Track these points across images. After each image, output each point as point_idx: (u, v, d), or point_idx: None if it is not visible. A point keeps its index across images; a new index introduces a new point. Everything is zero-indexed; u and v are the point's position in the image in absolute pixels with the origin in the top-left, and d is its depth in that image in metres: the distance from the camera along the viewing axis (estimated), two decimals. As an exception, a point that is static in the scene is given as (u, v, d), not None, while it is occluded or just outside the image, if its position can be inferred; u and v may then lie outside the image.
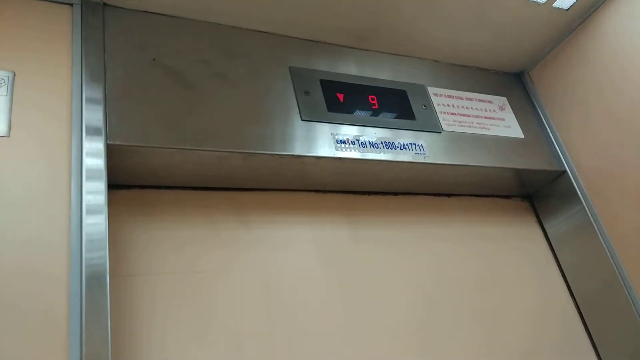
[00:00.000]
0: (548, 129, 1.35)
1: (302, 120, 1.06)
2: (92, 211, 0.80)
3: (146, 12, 1.01)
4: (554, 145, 1.34)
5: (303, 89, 1.09)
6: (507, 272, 1.28)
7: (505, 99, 1.35)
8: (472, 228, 1.29)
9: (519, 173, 1.30)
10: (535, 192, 1.41)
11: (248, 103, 1.02)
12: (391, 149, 1.11)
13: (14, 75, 0.87)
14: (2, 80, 0.86)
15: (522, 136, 1.31)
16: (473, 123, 1.25)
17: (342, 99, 1.12)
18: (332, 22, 1.14)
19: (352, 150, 1.07)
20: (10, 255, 0.75)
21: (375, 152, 1.09)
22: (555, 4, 1.22)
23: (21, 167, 0.81)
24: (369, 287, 1.10)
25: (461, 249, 1.25)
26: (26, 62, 0.88)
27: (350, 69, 1.18)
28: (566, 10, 1.25)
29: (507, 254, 1.31)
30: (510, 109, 1.34)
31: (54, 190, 0.81)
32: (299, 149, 1.02)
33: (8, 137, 0.82)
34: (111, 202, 0.86)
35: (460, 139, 1.21)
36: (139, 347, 0.86)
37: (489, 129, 1.27)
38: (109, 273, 0.78)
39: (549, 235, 1.37)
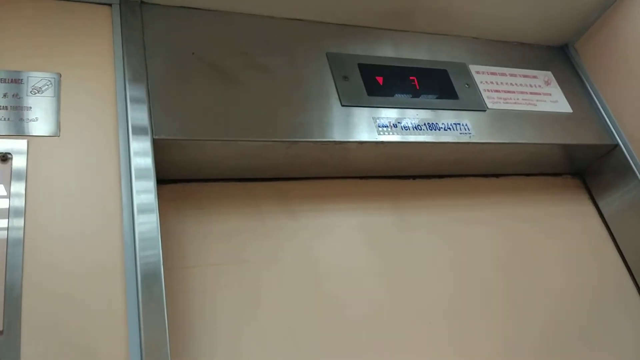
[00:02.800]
0: (597, 102, 1.29)
1: (342, 105, 1.04)
2: (143, 210, 0.81)
3: (183, 7, 1.01)
4: (604, 118, 1.28)
5: (341, 74, 1.08)
6: (561, 251, 1.23)
7: (550, 73, 1.30)
8: (522, 208, 1.25)
9: (568, 149, 1.25)
10: (586, 168, 1.35)
11: (287, 91, 1.02)
12: (435, 130, 1.08)
13: (60, 76, 0.89)
14: (49, 82, 0.88)
15: (570, 111, 1.26)
16: (519, 99, 1.20)
17: (382, 82, 1.10)
18: (366, 5, 1.12)
19: (395, 133, 1.05)
20: (66, 252, 0.77)
21: (418, 134, 1.07)
22: (599, -30, 1.17)
23: (73, 166, 0.83)
24: (417, 272, 1.08)
25: (512, 230, 1.21)
26: (70, 63, 0.90)
27: (387, 51, 1.16)
28: (610, -24, 1.19)
29: (561, 233, 1.26)
30: (557, 84, 1.28)
31: (105, 189, 0.83)
32: (340, 135, 1.01)
33: (59, 137, 0.84)
34: (160, 196, 0.86)
35: (506, 117, 1.17)
36: (195, 334, 0.87)
37: (536, 105, 1.22)
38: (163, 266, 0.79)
39: (603, 212, 1.31)
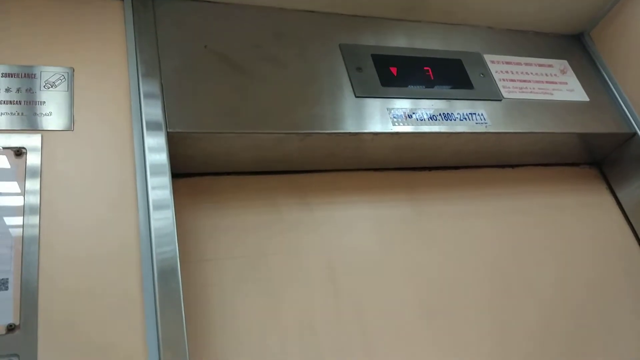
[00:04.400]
0: (614, 91, 1.27)
1: (356, 97, 1.03)
2: (159, 206, 0.81)
3: (195, 0, 1.01)
4: (621, 107, 1.25)
5: (355, 65, 1.07)
6: (579, 242, 1.21)
7: (566, 62, 1.28)
8: (539, 199, 1.23)
9: (585, 138, 1.23)
10: (604, 158, 1.32)
11: (301, 83, 1.01)
12: (450, 120, 1.07)
13: (73, 71, 0.89)
14: (62, 77, 0.88)
15: (587, 99, 1.24)
16: (535, 88, 1.19)
17: (396, 73, 1.09)
18: (380, -5, 1.11)
19: (409, 124, 1.04)
20: (82, 248, 0.76)
21: (433, 125, 1.05)
22: (614, -43, 1.15)
23: (87, 161, 0.82)
24: (435, 264, 1.07)
25: (529, 221, 1.19)
26: (83, 58, 0.90)
27: (401, 41, 1.15)
28: (626, -38, 1.17)
29: (578, 224, 1.24)
30: (572, 72, 1.26)
31: (120, 185, 0.82)
32: (354, 126, 1.00)
33: (72, 131, 0.84)
34: (175, 190, 0.85)
35: (522, 106, 1.15)
36: (213, 328, 0.86)
37: (552, 94, 1.20)
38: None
39: (622, 203, 1.29)
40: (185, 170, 0.97)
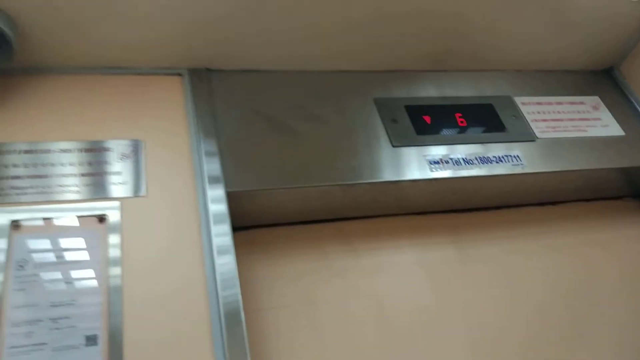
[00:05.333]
0: (649, 122, 1.29)
1: (393, 146, 1.11)
2: (222, 252, 0.90)
3: (244, 70, 1.13)
4: (659, 138, 1.27)
5: (390, 117, 1.15)
6: (628, 277, 1.21)
7: (597, 97, 1.31)
8: (583, 234, 1.24)
9: (625, 172, 1.24)
10: (647, 189, 1.34)
11: (341, 138, 1.09)
12: (486, 163, 1.12)
13: (143, 142, 1.01)
14: (134, 148, 1.00)
15: (623, 133, 1.26)
16: (568, 127, 1.22)
17: (430, 121, 1.16)
18: (408, 51, 1.20)
19: (446, 169, 1.10)
20: (159, 297, 0.85)
21: (470, 169, 1.11)
22: (637, -5, 1.19)
23: (159, 219, 0.93)
24: (480, 305, 1.09)
25: (574, 257, 1.20)
26: (150, 129, 1.02)
27: (432, 91, 1.22)
28: (650, -2, 1.21)
29: (626, 258, 1.23)
30: (605, 107, 1.30)
31: (188, 236, 0.92)
32: (393, 175, 1.07)
33: (146, 197, 0.95)
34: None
35: (557, 145, 1.19)
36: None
37: (586, 131, 1.23)
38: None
39: (670, 234, 1.29)
40: (240, 224, 1.05)
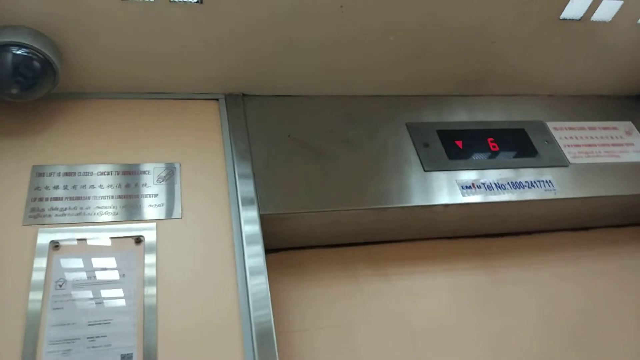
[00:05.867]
0: (684, 147, 1.27)
1: (425, 171, 1.11)
2: (255, 272, 0.91)
3: (278, 96, 1.15)
4: (693, 163, 1.25)
5: (422, 141, 1.15)
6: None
7: (630, 123, 1.30)
8: (616, 260, 1.23)
9: (659, 197, 1.23)
10: (681, 214, 1.31)
11: (372, 162, 1.10)
12: (518, 188, 1.12)
13: (180, 165, 1.03)
14: (171, 171, 1.02)
15: (656, 159, 1.25)
16: (601, 152, 1.22)
17: (462, 146, 1.16)
18: (441, 76, 1.21)
19: (478, 194, 1.09)
20: (192, 315, 0.86)
21: (502, 194, 1.10)
22: (669, 21, 1.19)
23: (194, 241, 0.94)
24: (513, 331, 1.08)
25: (607, 283, 1.19)
26: (187, 152, 1.04)
27: (463, 116, 1.23)
28: (680, 24, 1.20)
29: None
30: (638, 133, 1.28)
31: (221, 257, 0.93)
32: (425, 199, 1.07)
33: (181, 218, 0.97)
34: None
35: (589, 170, 1.18)
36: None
37: (619, 156, 1.22)
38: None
39: None
40: (272, 246, 1.07)
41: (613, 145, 1.24)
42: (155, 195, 0.99)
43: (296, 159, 1.07)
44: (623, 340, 1.12)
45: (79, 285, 0.88)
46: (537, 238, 1.22)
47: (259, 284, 0.90)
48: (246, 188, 0.99)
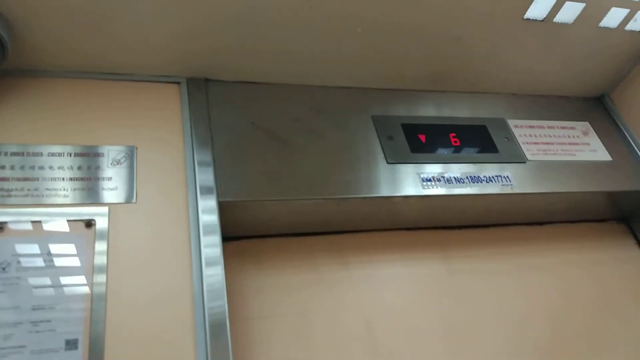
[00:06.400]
0: (636, 149, 1.32)
1: (388, 163, 1.11)
2: (210, 263, 0.89)
3: (243, 82, 1.13)
4: (644, 164, 1.30)
5: (386, 134, 1.16)
6: (608, 298, 1.23)
7: (587, 123, 1.34)
8: (567, 255, 1.26)
9: (610, 196, 1.27)
10: (630, 213, 1.36)
11: (337, 152, 1.10)
12: (477, 182, 1.14)
13: (136, 148, 1.00)
14: (126, 155, 0.99)
15: (610, 158, 1.29)
16: (557, 150, 1.25)
17: (424, 140, 1.17)
18: (409, 71, 1.22)
19: (439, 187, 1.11)
20: (143, 305, 0.84)
21: (462, 187, 1.12)
22: (628, 27, 1.22)
23: (148, 228, 0.91)
24: (468, 321, 1.11)
25: (558, 277, 1.22)
26: (144, 136, 1.01)
27: (429, 110, 1.24)
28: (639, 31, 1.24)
29: (608, 279, 1.26)
30: (594, 133, 1.32)
31: (176, 246, 0.91)
32: (386, 191, 1.07)
33: (135, 203, 0.94)
34: (223, 253, 0.93)
35: (546, 167, 1.21)
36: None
37: (575, 155, 1.26)
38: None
39: (653, 258, 1.32)
40: (232, 234, 1.06)
41: (570, 144, 1.28)
42: (109, 179, 0.95)
43: (259, 147, 1.05)
44: (572, 331, 1.16)
45: (24, 269, 0.84)
46: (493, 231, 1.24)
47: (214, 274, 0.88)
48: (205, 176, 0.97)
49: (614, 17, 1.21)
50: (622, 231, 1.37)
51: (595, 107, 1.41)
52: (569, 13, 1.18)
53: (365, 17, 1.07)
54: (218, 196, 0.96)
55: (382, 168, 1.10)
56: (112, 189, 0.95)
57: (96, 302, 0.83)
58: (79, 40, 0.99)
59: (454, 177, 1.13)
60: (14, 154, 0.93)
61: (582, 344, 1.15)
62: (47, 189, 0.92)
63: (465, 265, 1.17)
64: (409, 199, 1.09)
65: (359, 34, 1.10)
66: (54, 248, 0.88)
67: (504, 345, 1.10)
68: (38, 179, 0.92)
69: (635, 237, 1.35)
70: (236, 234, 1.06)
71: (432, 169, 1.13)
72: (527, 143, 1.24)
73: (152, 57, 1.05)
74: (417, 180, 1.10)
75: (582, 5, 1.16)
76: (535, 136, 1.26)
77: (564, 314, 1.17)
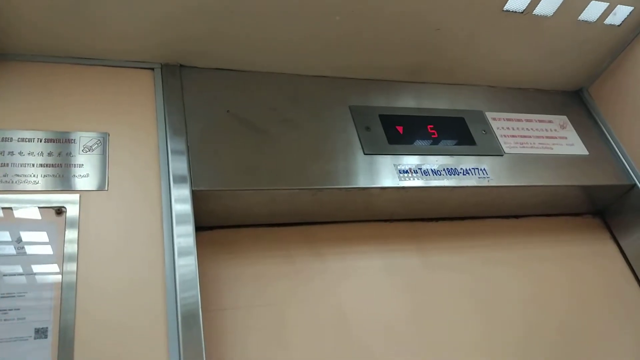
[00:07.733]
0: (613, 144, 1.33)
1: (365, 154, 1.11)
2: (183, 253, 0.88)
3: (218, 69, 1.11)
4: (620, 159, 1.31)
5: (363, 125, 1.15)
6: (583, 291, 1.25)
7: (565, 117, 1.35)
8: (543, 248, 1.27)
9: (586, 190, 1.28)
10: (606, 208, 1.37)
11: (313, 142, 1.09)
12: (454, 174, 1.14)
13: (108, 135, 0.98)
14: (99, 141, 0.97)
15: (587, 153, 1.30)
16: (535, 144, 1.25)
17: (402, 131, 1.17)
18: (387, 61, 1.21)
19: (415, 179, 1.11)
20: (114, 294, 0.83)
21: (439, 179, 1.12)
22: (607, 21, 1.23)
23: (120, 216, 0.90)
24: (442, 312, 1.11)
25: (534, 269, 1.23)
26: (117, 123, 0.99)
27: (407, 102, 1.23)
28: (618, 25, 1.25)
29: (583, 272, 1.27)
30: (572, 127, 1.33)
31: (149, 235, 0.90)
32: (363, 182, 1.07)
33: (107, 190, 0.92)
34: (197, 242, 0.92)
35: (523, 161, 1.22)
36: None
37: (552, 149, 1.26)
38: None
39: (625, 251, 1.33)
40: (206, 224, 1.05)
41: (547, 137, 1.28)
42: (81, 166, 0.93)
43: (234, 135, 1.04)
44: (546, 324, 1.17)
45: (-9, 256, 0.83)
46: (469, 224, 1.25)
47: (187, 264, 0.87)
48: (179, 165, 0.96)
49: (593, 11, 1.21)
50: (598, 225, 1.38)
51: (573, 101, 1.41)
52: (548, 5, 1.18)
53: (344, 6, 1.06)
54: (191, 185, 0.95)
55: (359, 159, 1.10)
56: (83, 176, 0.93)
57: (66, 291, 0.82)
58: (52, 23, 0.97)
59: (431, 169, 1.13)
60: (-19, 138, 0.92)
61: (555, 337, 1.16)
62: (16, 175, 0.90)
63: (441, 257, 1.18)
64: (385, 191, 1.09)
65: (337, 22, 1.08)
66: (25, 235, 0.86)
67: (478, 337, 1.10)
68: (7, 164, 0.91)
69: (611, 231, 1.37)
70: (210, 223, 1.05)
71: (410, 161, 1.13)
72: (505, 136, 1.24)
73: (126, 42, 1.04)
74: (394, 172, 1.10)
75: (561, -2, 1.17)
76: (513, 129, 1.27)
77: (537, 306, 1.18)
